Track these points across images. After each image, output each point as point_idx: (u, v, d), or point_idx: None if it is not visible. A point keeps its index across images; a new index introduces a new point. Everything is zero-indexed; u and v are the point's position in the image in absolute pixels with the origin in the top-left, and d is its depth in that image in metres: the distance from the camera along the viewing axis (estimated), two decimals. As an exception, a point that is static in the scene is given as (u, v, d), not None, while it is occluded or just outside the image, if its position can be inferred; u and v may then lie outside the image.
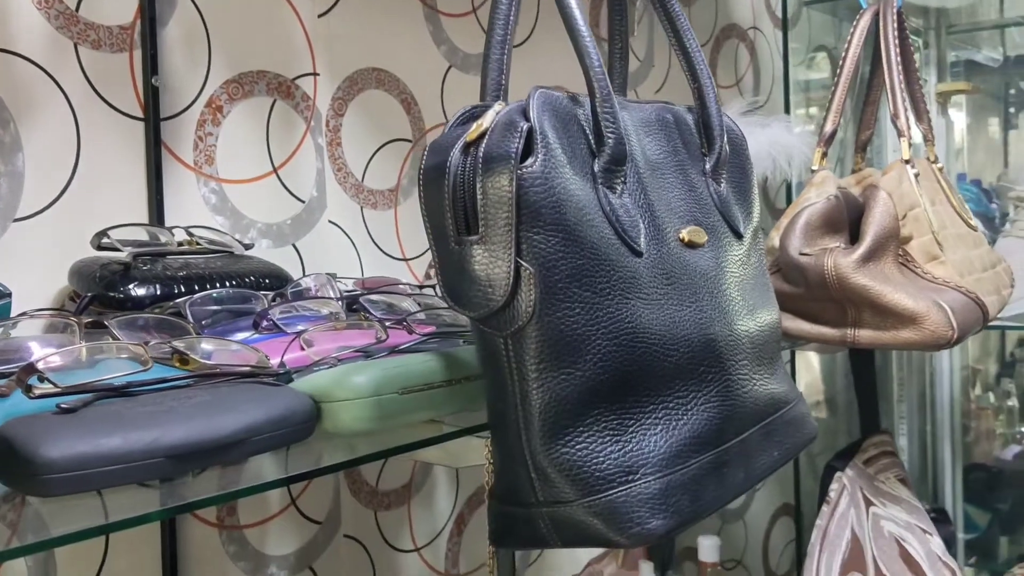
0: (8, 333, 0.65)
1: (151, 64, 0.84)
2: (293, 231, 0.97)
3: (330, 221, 1.01)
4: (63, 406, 0.49)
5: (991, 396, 2.09)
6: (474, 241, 0.53)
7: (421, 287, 0.89)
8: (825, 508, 1.06)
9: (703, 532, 1.32)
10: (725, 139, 0.69)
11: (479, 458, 0.65)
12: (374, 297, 0.75)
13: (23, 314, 0.66)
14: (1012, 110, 2.23)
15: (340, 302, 0.75)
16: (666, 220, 0.61)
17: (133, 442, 0.47)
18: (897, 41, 1.08)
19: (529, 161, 0.52)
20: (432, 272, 1.09)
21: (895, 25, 1.09)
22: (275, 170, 0.96)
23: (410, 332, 0.68)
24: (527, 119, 0.53)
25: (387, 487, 1.06)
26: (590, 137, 0.57)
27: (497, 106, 0.54)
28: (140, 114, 0.85)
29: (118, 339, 0.61)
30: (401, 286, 0.87)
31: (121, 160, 0.84)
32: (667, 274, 0.59)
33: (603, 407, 0.54)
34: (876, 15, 1.10)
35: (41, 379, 0.51)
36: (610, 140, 0.57)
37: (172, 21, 0.87)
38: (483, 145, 0.52)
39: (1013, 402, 2.10)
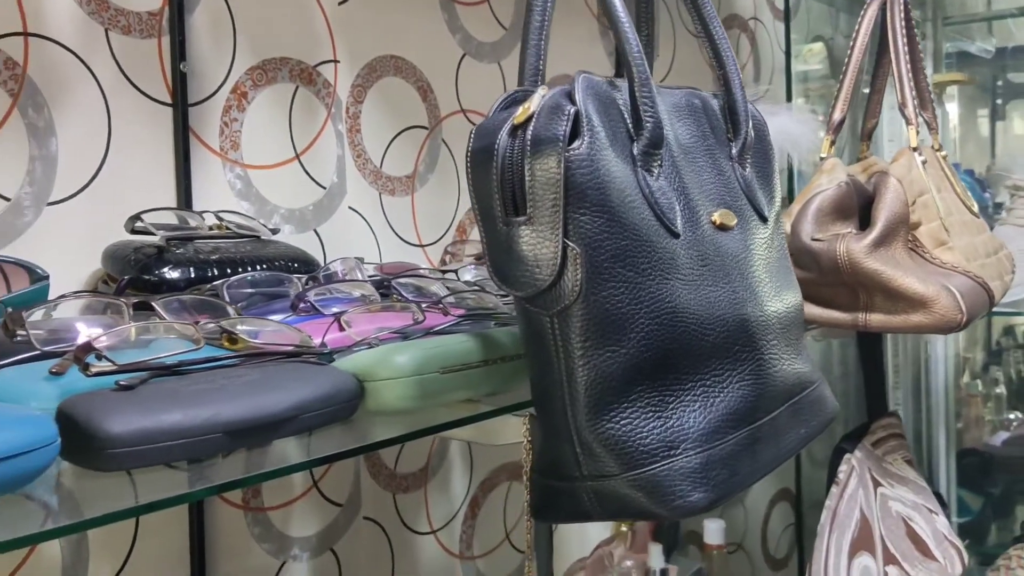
0: (49, 315, 0.65)
1: (179, 50, 0.85)
2: (315, 217, 0.98)
3: (350, 207, 1.01)
4: (122, 383, 0.50)
5: (979, 384, 2.12)
6: (522, 222, 0.54)
7: (443, 272, 0.90)
8: (834, 489, 1.08)
9: (708, 515, 1.33)
10: (750, 124, 0.70)
11: (514, 436, 0.67)
12: (404, 280, 0.77)
13: (63, 296, 0.66)
14: (1000, 101, 2.25)
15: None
16: (699, 203, 0.62)
17: (192, 418, 0.48)
18: (904, 30, 1.10)
19: (576, 144, 0.53)
20: (448, 258, 1.10)
21: (902, 15, 1.10)
22: (297, 156, 0.96)
23: (446, 314, 0.70)
24: (573, 103, 0.54)
25: (405, 470, 1.08)
26: (628, 121, 0.59)
27: (542, 90, 0.55)
28: (168, 100, 0.85)
29: (165, 319, 0.61)
30: (422, 270, 0.88)
31: (150, 145, 0.84)
32: (702, 255, 0.60)
33: (645, 384, 0.55)
34: (883, 4, 1.11)
35: (99, 357, 0.52)
36: (648, 124, 0.58)
37: (199, 8, 0.88)
38: (531, 128, 0.53)
39: (1001, 389, 2.13)
